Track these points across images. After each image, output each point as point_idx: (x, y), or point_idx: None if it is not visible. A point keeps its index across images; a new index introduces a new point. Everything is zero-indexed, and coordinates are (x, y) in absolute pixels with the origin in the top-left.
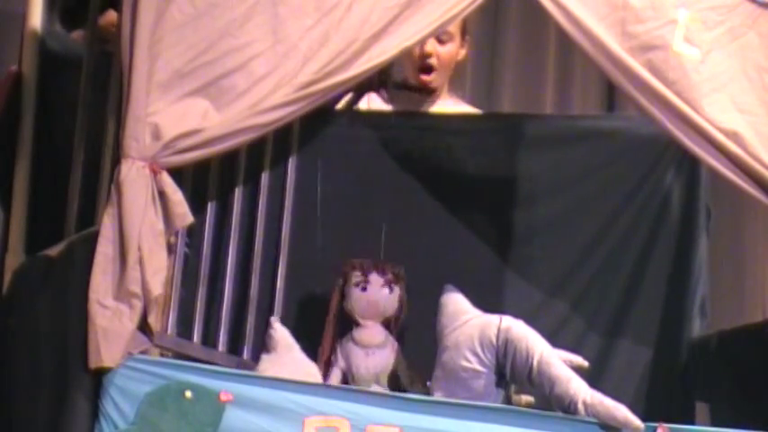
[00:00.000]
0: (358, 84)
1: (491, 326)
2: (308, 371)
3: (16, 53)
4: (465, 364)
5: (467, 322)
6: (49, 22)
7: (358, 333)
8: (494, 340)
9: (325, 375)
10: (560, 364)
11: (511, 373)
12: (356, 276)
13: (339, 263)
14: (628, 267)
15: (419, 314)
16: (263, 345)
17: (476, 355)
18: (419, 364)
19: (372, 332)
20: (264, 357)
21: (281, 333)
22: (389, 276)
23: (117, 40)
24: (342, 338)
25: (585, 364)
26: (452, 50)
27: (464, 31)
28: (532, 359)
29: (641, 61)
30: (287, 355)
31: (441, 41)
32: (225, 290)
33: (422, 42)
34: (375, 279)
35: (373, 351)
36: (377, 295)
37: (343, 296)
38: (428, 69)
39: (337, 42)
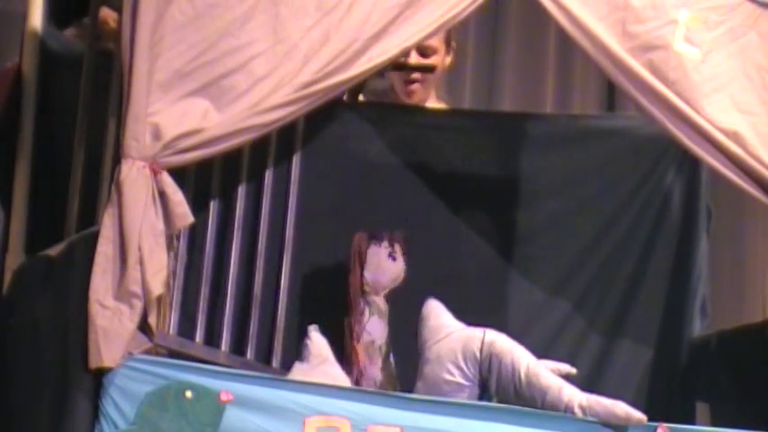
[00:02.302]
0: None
1: (474, 339)
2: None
3: (16, 53)
4: (447, 377)
5: (449, 335)
6: (50, 22)
7: (376, 304)
8: (477, 354)
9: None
10: (549, 374)
11: (496, 386)
12: (385, 247)
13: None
14: (628, 267)
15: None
16: (267, 345)
17: (459, 368)
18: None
19: (383, 303)
20: (297, 366)
21: (316, 343)
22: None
23: (117, 40)
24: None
25: (573, 371)
26: (436, 63)
27: (448, 41)
28: (519, 372)
29: (642, 61)
30: (319, 367)
31: (424, 55)
32: (228, 289)
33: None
34: (398, 249)
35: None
36: (401, 264)
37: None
38: (412, 82)
39: (338, 42)
